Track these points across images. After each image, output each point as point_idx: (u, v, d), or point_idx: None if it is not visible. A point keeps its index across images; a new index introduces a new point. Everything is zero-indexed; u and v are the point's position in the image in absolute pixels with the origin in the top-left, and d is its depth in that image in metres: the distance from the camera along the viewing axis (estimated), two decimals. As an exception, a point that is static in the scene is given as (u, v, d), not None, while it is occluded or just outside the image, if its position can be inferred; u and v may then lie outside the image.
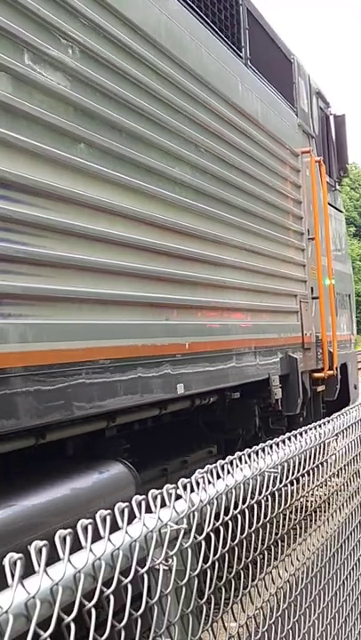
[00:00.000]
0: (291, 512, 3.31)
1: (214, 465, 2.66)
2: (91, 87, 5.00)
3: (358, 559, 4.54)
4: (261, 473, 2.97)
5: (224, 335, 7.10)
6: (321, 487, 3.81)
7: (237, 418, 8.10)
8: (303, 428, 3.81)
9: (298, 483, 3.38)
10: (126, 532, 1.97)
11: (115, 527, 1.93)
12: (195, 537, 2.34)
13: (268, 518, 2.98)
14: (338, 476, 4.21)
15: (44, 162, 4.40)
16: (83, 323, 4.73)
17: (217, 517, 2.53)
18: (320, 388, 9.95)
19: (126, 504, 1.97)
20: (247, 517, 2.77)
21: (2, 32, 4.11)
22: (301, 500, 3.46)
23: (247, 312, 7.78)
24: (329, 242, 10.93)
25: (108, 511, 1.89)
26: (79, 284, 4.70)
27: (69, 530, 1.70)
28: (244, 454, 2.94)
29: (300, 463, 3.44)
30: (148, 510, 2.12)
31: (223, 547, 2.53)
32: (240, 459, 2.89)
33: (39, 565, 1.61)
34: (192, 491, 2.43)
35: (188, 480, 2.43)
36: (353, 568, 4.39)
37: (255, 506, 2.86)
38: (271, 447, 3.25)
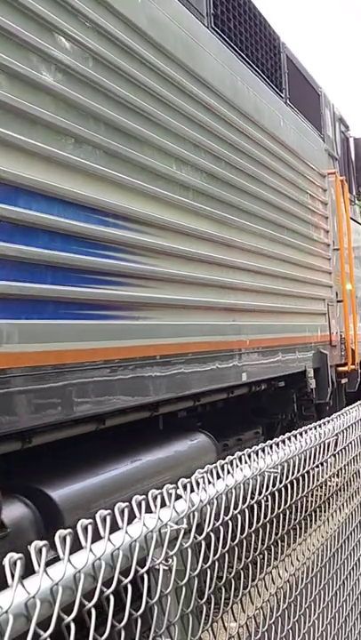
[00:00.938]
0: (291, 512, 3.31)
1: (214, 465, 2.67)
2: (194, 146, 6.79)
3: (358, 559, 4.54)
4: (261, 473, 2.97)
5: (274, 333, 8.67)
6: (321, 487, 3.81)
7: (278, 404, 9.64)
8: (307, 427, 3.82)
9: (298, 483, 3.38)
10: (126, 532, 1.97)
11: (114, 527, 1.93)
12: (195, 537, 2.34)
13: (268, 518, 2.98)
14: (338, 475, 4.21)
15: (154, 200, 5.94)
16: (180, 324, 6.29)
17: (217, 517, 2.53)
18: (344, 381, 11.43)
19: (126, 504, 1.97)
20: (247, 517, 2.77)
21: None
22: (301, 499, 3.46)
23: (290, 314, 9.35)
24: (351, 251, 12.43)
25: (108, 511, 1.89)
26: (179, 294, 6.29)
27: (69, 530, 1.70)
28: (244, 454, 2.94)
29: (299, 463, 3.44)
30: (148, 510, 2.12)
31: (223, 547, 2.53)
32: (240, 459, 2.89)
33: (39, 565, 1.61)
34: (192, 491, 2.43)
35: (188, 480, 2.43)
36: (353, 568, 4.39)
37: (255, 506, 2.86)
38: (271, 447, 3.25)
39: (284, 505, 3.18)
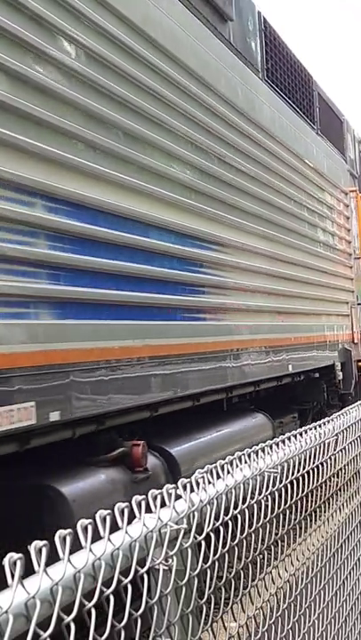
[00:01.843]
0: (291, 512, 3.31)
1: (214, 465, 2.67)
2: (252, 179, 8.75)
3: (358, 559, 4.54)
4: (261, 473, 2.97)
5: (311, 332, 10.64)
6: (321, 487, 3.81)
7: (311, 393, 11.35)
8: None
9: (298, 483, 3.38)
10: (126, 532, 1.97)
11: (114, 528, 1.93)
12: (195, 537, 2.34)
13: (267, 518, 2.98)
14: (338, 475, 4.21)
15: (228, 226, 7.90)
16: (245, 324, 8.26)
17: (217, 517, 2.52)
18: None
19: (126, 504, 1.97)
20: (247, 517, 2.77)
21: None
22: (301, 499, 3.46)
23: (322, 316, 11.39)
24: None
25: (108, 511, 1.89)
26: (243, 299, 8.25)
27: (69, 530, 1.70)
28: (244, 454, 2.94)
29: (300, 463, 3.44)
30: (148, 510, 2.12)
31: (223, 547, 2.53)
32: (240, 459, 2.89)
33: (39, 565, 1.61)
34: (192, 491, 2.43)
35: (188, 480, 2.43)
36: (353, 568, 4.39)
37: (255, 506, 2.86)
38: (271, 447, 3.25)
39: (284, 505, 3.18)
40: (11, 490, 4.83)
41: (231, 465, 2.78)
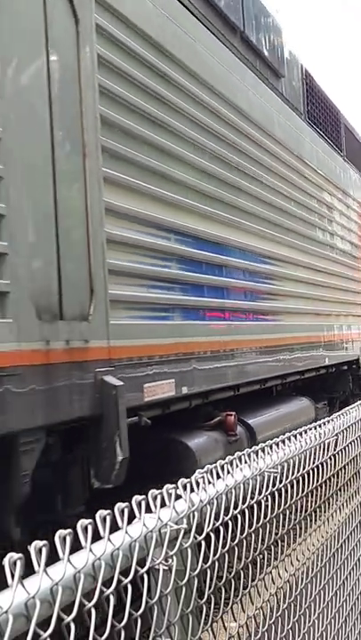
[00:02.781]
0: (291, 512, 3.31)
1: (214, 465, 2.66)
2: (299, 204, 11.34)
3: (358, 559, 4.54)
4: (261, 473, 2.97)
5: (341, 330, 13.09)
6: (321, 487, 3.81)
7: (338, 383, 13.34)
8: (307, 427, 3.83)
9: (298, 483, 3.38)
10: (126, 532, 1.97)
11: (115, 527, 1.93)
12: (195, 537, 2.34)
13: (267, 518, 2.98)
14: (338, 476, 4.20)
15: (286, 246, 10.66)
16: (294, 324, 10.63)
17: (217, 517, 2.52)
18: None
19: (126, 504, 1.97)
20: (247, 517, 2.77)
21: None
22: (301, 499, 3.46)
23: (350, 316, 13.85)
24: None
25: (108, 511, 1.89)
26: (296, 304, 10.80)
27: (69, 530, 1.70)
28: (244, 454, 2.94)
29: (300, 463, 3.44)
30: (148, 510, 2.12)
31: (223, 547, 2.53)
32: (240, 459, 2.88)
33: (39, 565, 1.61)
34: (192, 491, 2.42)
35: (188, 480, 2.43)
36: (353, 568, 4.38)
37: (255, 506, 2.86)
38: (271, 447, 3.25)
39: (284, 505, 3.18)
40: (156, 442, 6.73)
41: (231, 465, 2.78)
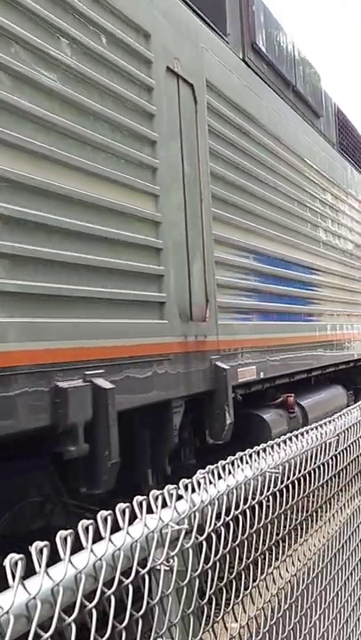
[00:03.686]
0: (292, 512, 3.30)
1: (215, 465, 2.66)
2: (338, 224, 13.75)
3: (360, 560, 4.53)
4: (263, 473, 2.97)
5: None
6: (323, 487, 3.80)
7: (360, 376, 15.25)
8: (305, 428, 3.82)
9: (299, 483, 3.38)
10: (127, 533, 1.97)
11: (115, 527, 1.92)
12: (196, 537, 2.33)
13: (269, 519, 2.97)
14: (339, 476, 4.20)
15: (337, 262, 13.57)
16: (333, 323, 12.92)
17: (218, 518, 2.52)
18: None
19: (127, 505, 1.97)
20: (248, 518, 2.76)
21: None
22: (303, 500, 3.45)
23: None
24: None
25: (109, 512, 1.88)
26: (334, 307, 13.07)
27: (70, 530, 1.69)
28: (245, 454, 2.93)
29: (301, 463, 3.44)
30: (150, 510, 2.12)
31: (224, 547, 2.53)
32: (241, 459, 2.88)
33: (40, 566, 1.60)
34: (193, 491, 2.42)
35: (190, 480, 2.43)
36: (354, 569, 4.38)
37: (256, 506, 2.86)
38: (272, 447, 3.25)
39: (286, 505, 3.18)
40: (239, 415, 8.00)
41: (232, 465, 2.78)
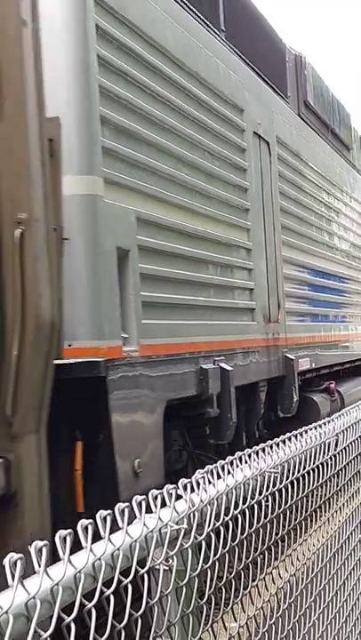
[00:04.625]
0: (291, 512, 3.30)
1: (215, 465, 2.66)
2: None
3: (359, 559, 4.54)
4: (262, 473, 2.97)
5: None
6: (322, 487, 3.81)
7: None
8: (304, 428, 3.82)
9: (298, 483, 3.38)
10: (126, 533, 1.97)
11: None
12: (195, 537, 2.34)
13: (268, 518, 2.97)
14: (338, 476, 4.20)
15: None
16: None
17: (217, 517, 2.52)
18: None
19: (126, 504, 1.97)
20: (247, 517, 2.77)
21: None
22: (302, 499, 3.45)
23: None
24: None
25: (109, 511, 1.88)
26: None
27: (70, 530, 1.69)
28: (244, 454, 2.93)
29: (300, 463, 3.44)
30: (149, 510, 2.12)
31: (224, 547, 2.53)
32: (240, 459, 2.88)
33: (39, 565, 1.60)
34: (192, 491, 2.42)
35: (189, 480, 2.43)
36: (353, 568, 4.38)
37: (255, 506, 2.86)
38: (271, 447, 3.25)
39: (285, 505, 3.18)
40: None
41: (232, 465, 2.78)
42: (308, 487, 3.51)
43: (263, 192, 10.06)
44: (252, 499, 2.83)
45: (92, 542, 1.81)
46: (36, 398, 4.49)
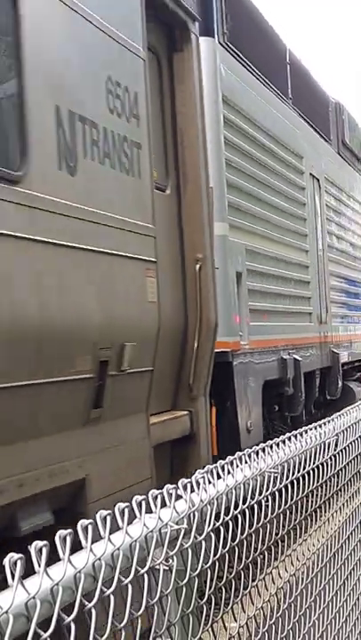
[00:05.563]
0: (291, 512, 3.30)
1: (215, 465, 2.66)
2: None
3: (359, 559, 4.54)
4: (262, 473, 2.97)
5: None
6: (322, 487, 3.80)
7: None
8: (304, 428, 3.82)
9: (298, 483, 3.38)
10: (126, 533, 1.97)
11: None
12: (195, 537, 2.34)
13: (268, 518, 2.97)
14: (338, 476, 4.20)
15: None
16: None
17: (217, 517, 2.52)
18: None
19: (126, 504, 1.97)
20: (247, 517, 2.77)
21: None
22: (302, 499, 3.45)
23: None
24: None
25: (109, 511, 1.88)
26: None
27: (70, 530, 1.70)
28: (244, 454, 2.93)
29: (300, 463, 3.44)
30: (149, 510, 2.12)
31: (223, 547, 2.53)
32: (240, 459, 2.88)
33: (39, 565, 1.60)
34: (192, 491, 2.42)
35: (189, 480, 2.43)
36: (353, 568, 4.38)
37: (255, 506, 2.86)
38: (271, 447, 3.25)
39: (285, 505, 3.18)
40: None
41: (232, 465, 2.78)
42: (308, 487, 3.51)
43: (315, 219, 13.15)
44: (252, 499, 2.83)
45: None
46: (205, 373, 6.63)
